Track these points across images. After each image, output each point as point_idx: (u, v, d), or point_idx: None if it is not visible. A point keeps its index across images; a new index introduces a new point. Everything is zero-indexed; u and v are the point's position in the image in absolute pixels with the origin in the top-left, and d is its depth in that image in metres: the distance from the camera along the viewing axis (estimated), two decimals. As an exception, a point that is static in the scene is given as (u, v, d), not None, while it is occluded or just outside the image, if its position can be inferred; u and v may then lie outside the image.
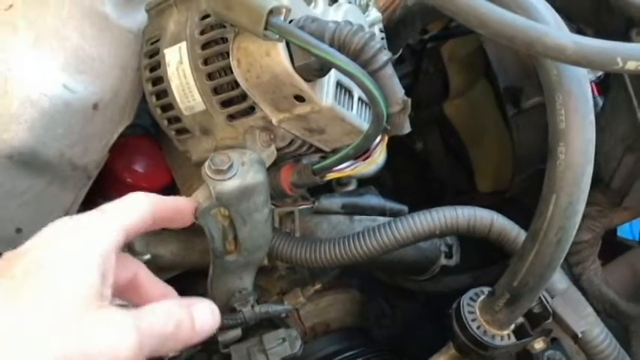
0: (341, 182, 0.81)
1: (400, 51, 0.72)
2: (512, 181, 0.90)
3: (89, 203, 0.64)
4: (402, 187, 1.15)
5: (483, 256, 0.90)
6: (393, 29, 0.67)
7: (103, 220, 0.43)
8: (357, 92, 0.57)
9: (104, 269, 0.40)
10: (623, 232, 1.16)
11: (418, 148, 1.05)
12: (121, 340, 0.37)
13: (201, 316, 0.44)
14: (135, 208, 0.46)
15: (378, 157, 0.62)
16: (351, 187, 0.80)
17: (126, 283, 0.48)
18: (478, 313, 0.59)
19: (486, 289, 0.61)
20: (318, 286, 0.76)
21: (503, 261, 0.70)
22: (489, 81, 0.90)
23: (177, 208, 0.52)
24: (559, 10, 0.71)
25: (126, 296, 0.50)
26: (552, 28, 0.45)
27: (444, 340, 0.65)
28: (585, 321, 0.59)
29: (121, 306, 0.41)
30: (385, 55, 0.47)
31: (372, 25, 0.61)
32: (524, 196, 0.91)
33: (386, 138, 0.56)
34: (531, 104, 0.80)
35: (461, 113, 1.00)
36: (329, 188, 0.81)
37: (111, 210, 0.45)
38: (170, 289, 0.52)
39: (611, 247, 0.85)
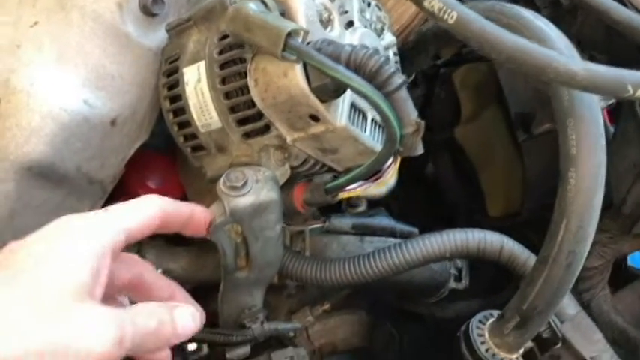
0: (352, 204, 0.81)
1: (413, 75, 0.73)
2: (522, 206, 0.90)
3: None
4: (412, 210, 1.15)
5: (491, 283, 0.89)
6: (406, 53, 0.68)
7: (104, 220, 0.45)
8: (370, 114, 0.58)
9: (97, 268, 0.42)
10: (635, 261, 1.16)
11: (429, 171, 1.06)
12: (99, 335, 0.39)
13: (182, 318, 0.46)
14: (141, 211, 0.48)
15: (390, 179, 0.62)
16: (362, 208, 0.81)
17: (129, 282, 0.51)
18: (487, 335, 0.59)
19: (496, 312, 0.61)
20: (326, 306, 0.76)
21: (511, 287, 0.70)
22: (500, 107, 0.91)
23: (192, 214, 0.53)
24: (572, 38, 0.72)
25: (132, 294, 0.52)
26: (564, 55, 0.46)
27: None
28: (595, 347, 0.59)
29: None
30: (400, 78, 0.48)
31: (386, 48, 0.62)
32: (535, 221, 0.91)
33: (398, 159, 0.56)
34: (542, 130, 0.81)
35: (471, 138, 1.00)
36: (339, 210, 0.81)
37: (115, 210, 0.47)
38: (178, 288, 0.54)
39: (621, 276, 0.85)
